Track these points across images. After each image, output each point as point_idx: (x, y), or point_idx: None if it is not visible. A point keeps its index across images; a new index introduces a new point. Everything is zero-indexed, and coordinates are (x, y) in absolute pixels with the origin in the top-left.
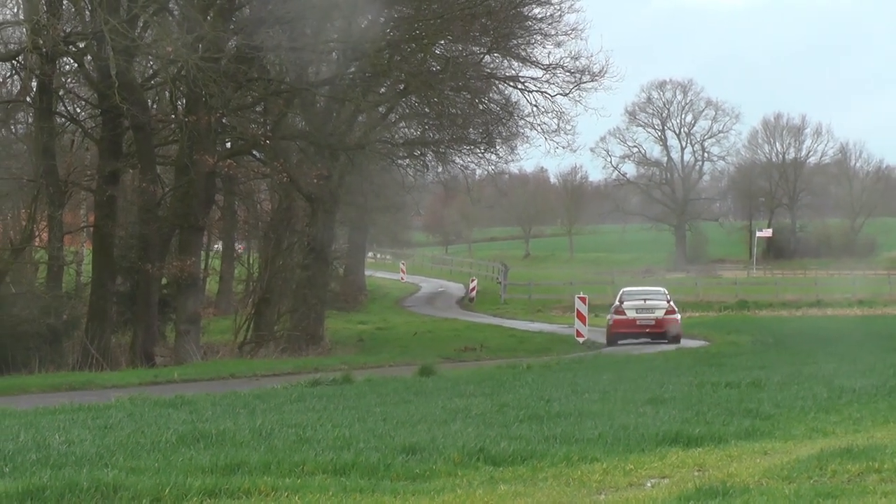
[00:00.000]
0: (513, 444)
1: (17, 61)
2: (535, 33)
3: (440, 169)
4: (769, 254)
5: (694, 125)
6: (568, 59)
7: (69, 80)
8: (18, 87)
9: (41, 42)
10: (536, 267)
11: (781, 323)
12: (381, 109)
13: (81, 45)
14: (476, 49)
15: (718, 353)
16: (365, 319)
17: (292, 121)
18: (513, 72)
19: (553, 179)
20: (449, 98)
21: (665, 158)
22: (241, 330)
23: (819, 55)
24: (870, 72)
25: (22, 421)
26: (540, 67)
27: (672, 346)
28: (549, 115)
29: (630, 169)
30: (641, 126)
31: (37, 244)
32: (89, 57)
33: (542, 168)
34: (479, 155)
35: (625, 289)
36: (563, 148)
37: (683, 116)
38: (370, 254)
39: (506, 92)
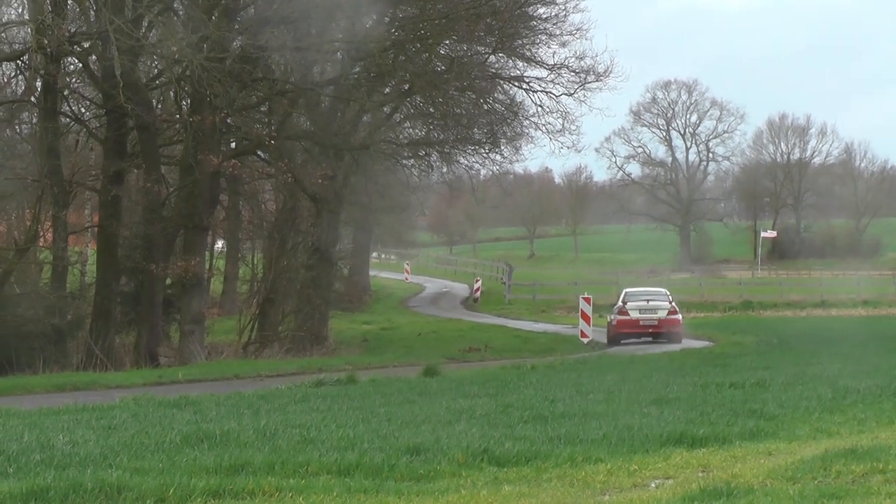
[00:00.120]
0: (517, 445)
1: (22, 61)
2: (540, 33)
3: (445, 169)
4: (774, 254)
5: (699, 125)
6: (573, 59)
7: (74, 80)
8: (23, 87)
9: (46, 42)
10: (541, 267)
11: (786, 323)
12: (385, 109)
13: (86, 44)
14: (481, 49)
15: (723, 354)
16: (369, 320)
17: (297, 121)
18: (518, 72)
19: (558, 180)
20: (454, 98)
21: (670, 158)
22: (245, 330)
23: (821, 55)
24: (872, 72)
25: (26, 421)
26: (545, 67)
27: (676, 347)
28: (554, 115)
29: (635, 169)
30: (646, 126)
31: (41, 244)
32: (94, 57)
33: (547, 168)
34: (484, 155)
35: (627, 289)
36: (568, 148)
37: (688, 116)
38: (374, 254)
39: (510, 92)
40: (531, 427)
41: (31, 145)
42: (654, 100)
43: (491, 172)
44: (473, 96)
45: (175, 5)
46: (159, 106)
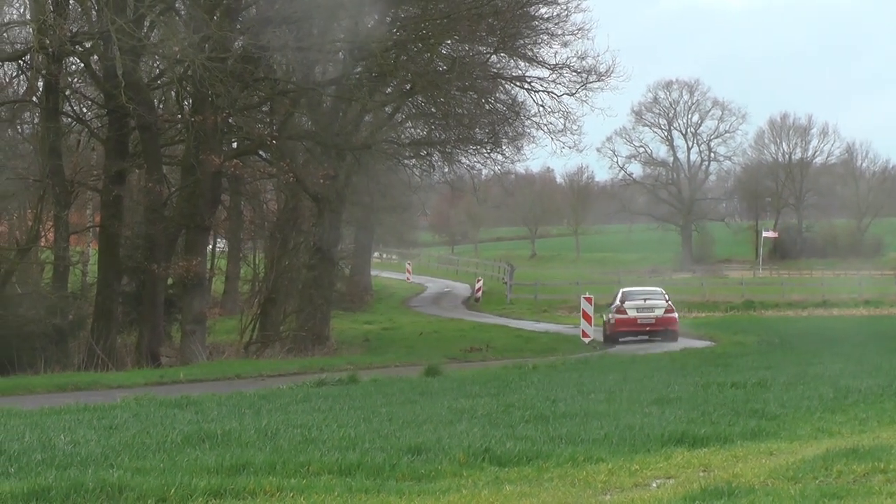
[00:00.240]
0: (518, 445)
1: (24, 61)
2: (542, 33)
3: (446, 169)
4: (775, 254)
5: (700, 125)
6: (574, 59)
7: (75, 79)
8: (25, 87)
9: (48, 42)
10: (542, 267)
11: (787, 323)
12: (387, 109)
13: (88, 44)
14: (483, 49)
15: (724, 354)
16: (371, 319)
17: (298, 121)
18: (519, 72)
19: (559, 179)
20: (455, 98)
21: (671, 158)
22: (246, 330)
23: (822, 55)
24: (873, 72)
25: (27, 421)
26: (546, 67)
27: (677, 346)
28: (556, 114)
29: (636, 169)
30: (648, 126)
31: (43, 244)
32: (96, 57)
33: (549, 168)
34: (486, 155)
35: (624, 289)
36: (570, 148)
37: (690, 116)
38: (376, 254)
39: (512, 92)
40: (532, 427)
41: (32, 145)
42: (655, 99)
43: (492, 172)
44: (475, 96)
45: (177, 5)
46: (161, 106)
